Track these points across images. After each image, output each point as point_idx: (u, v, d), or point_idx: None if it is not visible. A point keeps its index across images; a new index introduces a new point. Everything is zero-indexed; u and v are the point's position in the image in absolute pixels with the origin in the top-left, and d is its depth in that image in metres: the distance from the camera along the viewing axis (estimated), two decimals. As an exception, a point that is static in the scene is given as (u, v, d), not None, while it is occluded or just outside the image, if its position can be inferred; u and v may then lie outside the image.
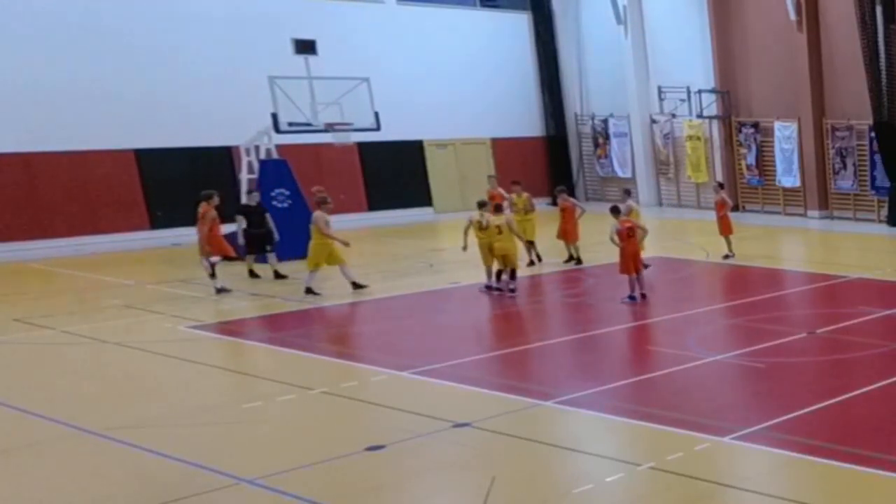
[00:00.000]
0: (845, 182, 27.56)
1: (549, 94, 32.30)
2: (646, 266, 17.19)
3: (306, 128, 20.69)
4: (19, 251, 21.58)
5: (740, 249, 20.87)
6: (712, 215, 21.91)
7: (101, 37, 23.28)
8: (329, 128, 20.80)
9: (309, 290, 16.41)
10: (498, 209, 17.09)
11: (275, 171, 20.54)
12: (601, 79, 32.17)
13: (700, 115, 29.27)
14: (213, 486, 8.13)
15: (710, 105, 29.29)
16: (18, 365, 12.47)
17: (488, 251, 16.78)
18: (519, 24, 31.98)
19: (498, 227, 16.55)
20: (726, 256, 20.48)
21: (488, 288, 16.95)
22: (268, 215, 18.35)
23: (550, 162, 32.64)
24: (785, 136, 28.22)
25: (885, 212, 26.62)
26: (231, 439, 9.48)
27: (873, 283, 18.28)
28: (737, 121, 29.37)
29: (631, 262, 15.97)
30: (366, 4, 28.00)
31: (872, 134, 26.26)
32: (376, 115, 21.48)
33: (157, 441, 9.20)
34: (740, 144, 29.40)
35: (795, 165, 28.13)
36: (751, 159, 29.24)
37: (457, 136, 30.17)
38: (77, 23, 23.00)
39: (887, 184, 26.25)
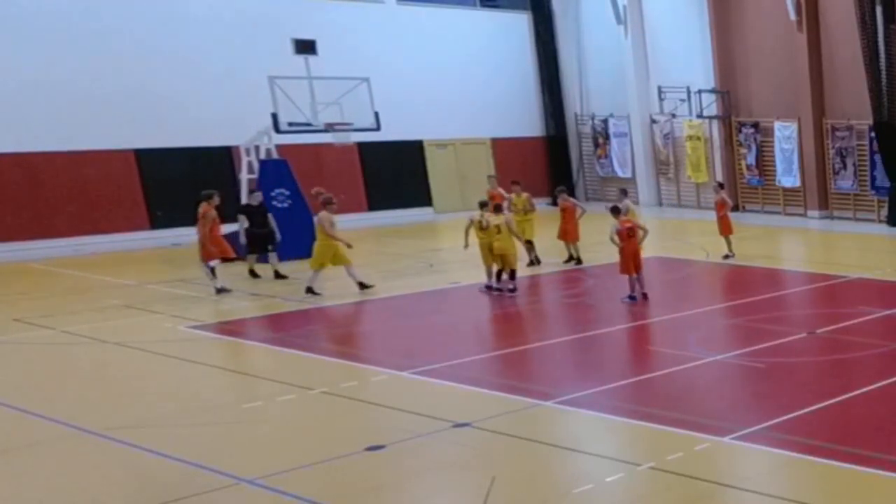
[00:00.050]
0: (845, 182, 27.56)
1: (549, 94, 32.30)
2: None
3: (306, 128, 20.69)
4: (19, 251, 21.58)
5: (740, 249, 20.87)
6: (712, 215, 21.91)
7: (101, 37, 23.28)
8: (329, 128, 20.80)
9: (309, 290, 16.41)
10: (497, 209, 17.09)
11: (275, 171, 20.54)
12: (601, 79, 32.17)
13: (700, 115, 29.27)
14: (213, 486, 8.13)
15: (710, 105, 29.30)
16: (18, 365, 12.47)
17: (488, 251, 16.79)
18: (519, 24, 31.98)
19: (497, 226, 16.56)
20: (726, 256, 20.49)
21: (488, 288, 16.95)
22: (270, 215, 18.36)
23: (550, 162, 32.65)
24: (785, 136, 28.22)
25: (885, 212, 26.62)
26: (231, 439, 9.48)
27: (873, 283, 18.28)
28: (737, 121, 29.38)
29: (631, 261, 15.97)
30: (366, 4, 28.00)
31: (872, 134, 26.26)
32: (376, 115, 21.48)
33: (157, 441, 9.20)
34: (740, 144, 29.40)
35: (795, 165, 28.13)
36: (751, 159, 29.25)
37: (457, 136, 30.17)
38: (77, 23, 23.00)
39: (887, 184, 26.26)
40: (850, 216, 27.54)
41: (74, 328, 14.10)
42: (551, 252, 20.17)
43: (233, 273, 17.78)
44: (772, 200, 29.21)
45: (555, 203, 23.53)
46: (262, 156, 21.02)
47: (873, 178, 26.82)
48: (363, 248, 20.46)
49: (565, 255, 19.92)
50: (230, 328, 14.45)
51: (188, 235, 20.51)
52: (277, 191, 20.13)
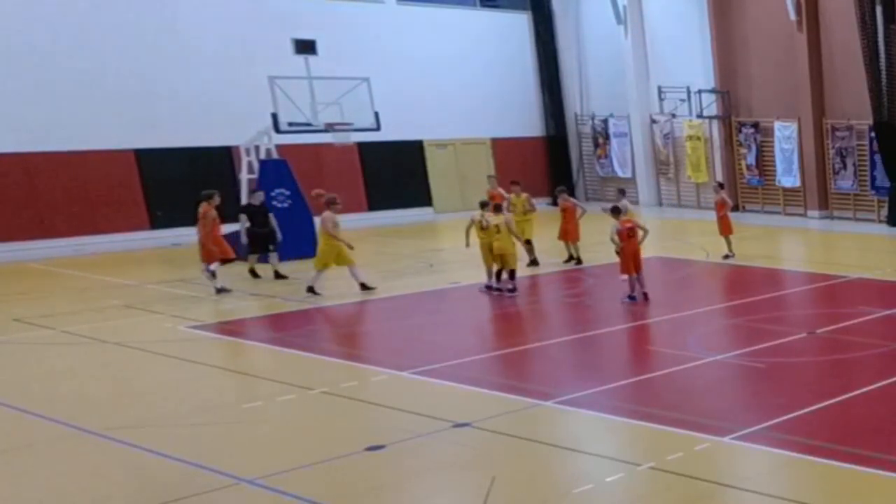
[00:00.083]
0: (845, 182, 27.56)
1: (549, 94, 32.30)
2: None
3: (306, 128, 20.69)
4: (19, 251, 21.58)
5: (740, 249, 20.87)
6: (712, 215, 21.91)
7: (101, 37, 23.29)
8: (329, 128, 20.80)
9: (310, 289, 16.41)
10: (497, 209, 17.10)
11: (275, 171, 20.54)
12: (601, 79, 32.18)
13: (700, 115, 29.27)
14: (213, 486, 8.13)
15: (710, 105, 29.30)
16: (18, 365, 12.47)
17: (489, 251, 16.80)
18: (519, 24, 31.98)
19: (496, 226, 16.57)
20: (726, 256, 20.49)
21: (488, 288, 16.95)
22: (271, 215, 18.35)
23: (550, 162, 32.65)
24: (785, 136, 28.22)
25: (885, 212, 26.62)
26: (231, 439, 9.48)
27: (873, 283, 18.28)
28: (737, 121, 29.38)
29: (631, 262, 15.97)
30: (366, 4, 28.00)
31: (872, 134, 26.26)
32: (376, 115, 21.48)
33: (157, 441, 9.20)
34: (740, 144, 29.40)
35: (795, 165, 28.13)
36: (751, 159, 29.25)
37: (457, 136, 30.17)
38: (77, 23, 23.00)
39: (887, 184, 26.26)
40: (850, 216, 27.54)
41: (74, 328, 14.10)
42: (551, 252, 20.17)
43: (233, 273, 17.78)
44: (772, 200, 29.21)
45: (555, 203, 23.53)
46: (262, 156, 21.01)
47: (873, 178, 26.82)
48: (363, 248, 20.45)
49: (565, 255, 19.92)
50: (230, 328, 14.45)
51: (188, 235, 20.51)
52: (277, 191, 20.13)
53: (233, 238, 18.07)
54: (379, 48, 27.39)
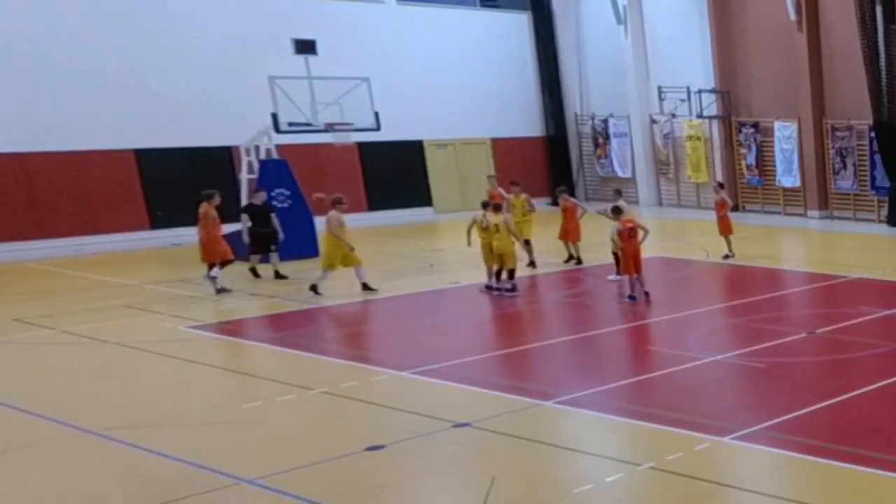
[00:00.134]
0: (845, 182, 27.56)
1: (549, 94, 32.30)
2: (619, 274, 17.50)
3: (306, 128, 20.69)
4: (19, 251, 21.58)
5: (740, 249, 20.87)
6: (712, 215, 21.91)
7: (101, 36, 23.29)
8: (329, 128, 20.80)
9: (314, 288, 16.38)
10: (497, 208, 17.10)
11: (275, 171, 20.54)
12: (601, 79, 32.18)
13: (700, 115, 29.27)
14: (213, 486, 8.13)
15: (710, 105, 29.30)
16: (18, 365, 12.47)
17: (490, 251, 16.80)
18: (519, 24, 31.98)
19: (496, 225, 16.58)
20: (726, 256, 20.49)
21: (488, 288, 16.95)
22: (273, 215, 18.35)
23: (550, 162, 32.65)
24: (785, 136, 28.22)
25: (885, 212, 26.62)
26: (231, 439, 9.48)
27: (873, 283, 18.27)
28: (737, 121, 29.38)
29: (632, 262, 15.97)
30: (366, 4, 28.00)
31: (872, 134, 26.26)
32: (376, 115, 21.48)
33: (157, 441, 9.20)
34: (740, 144, 29.40)
35: (795, 165, 28.13)
36: (751, 159, 29.25)
37: (457, 136, 30.17)
38: (77, 23, 23.00)
39: (887, 184, 26.26)
40: (850, 216, 27.54)
41: (74, 328, 14.10)
42: (551, 252, 20.17)
43: (233, 273, 17.77)
44: (772, 200, 29.21)
45: (555, 203, 23.52)
46: (262, 156, 21.01)
47: (873, 178, 26.82)
48: (363, 249, 20.36)
49: (565, 255, 19.92)
50: (230, 328, 14.45)
51: (188, 235, 20.52)
52: (277, 191, 20.12)
53: (234, 238, 18.08)
54: (379, 48, 27.39)
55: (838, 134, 27.30)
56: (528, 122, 32.21)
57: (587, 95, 32.65)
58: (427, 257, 21.08)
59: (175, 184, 23.95)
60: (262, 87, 20.64)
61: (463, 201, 28.64)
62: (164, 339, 13.42)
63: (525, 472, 8.57)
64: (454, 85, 29.43)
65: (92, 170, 23.43)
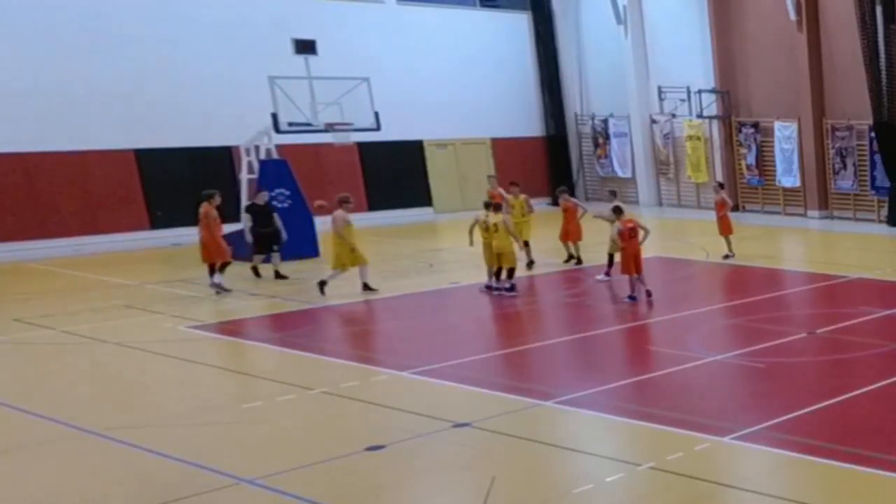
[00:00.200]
0: (845, 182, 27.56)
1: (549, 94, 32.30)
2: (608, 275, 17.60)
3: (306, 128, 20.69)
4: (19, 251, 21.58)
5: (740, 249, 20.87)
6: (712, 215, 21.91)
7: (101, 37, 23.28)
8: (329, 128, 20.80)
9: (322, 284, 16.36)
10: (497, 208, 17.11)
11: (275, 171, 20.53)
12: (601, 79, 32.17)
13: (700, 115, 29.27)
14: (213, 486, 8.13)
15: (710, 105, 29.30)
16: (18, 365, 12.47)
17: (491, 251, 16.80)
18: (519, 24, 31.98)
19: (495, 225, 16.58)
20: (726, 256, 20.49)
21: (488, 288, 16.95)
22: (275, 215, 18.35)
23: (550, 162, 32.65)
24: (785, 136, 28.22)
25: (885, 212, 26.62)
26: (231, 439, 9.48)
27: (873, 283, 18.27)
28: (737, 121, 29.38)
29: (632, 262, 15.96)
30: (366, 4, 28.00)
31: (872, 134, 26.26)
32: (376, 115, 21.49)
33: (157, 441, 9.20)
34: (740, 144, 29.40)
35: (795, 165, 28.13)
36: (751, 159, 29.25)
37: (457, 136, 30.17)
38: (77, 23, 23.00)
39: (887, 184, 26.26)
40: (850, 216, 27.54)
41: (74, 328, 14.10)
42: (551, 252, 20.16)
43: (233, 273, 17.76)
44: (772, 200, 29.21)
45: (556, 203, 23.50)
46: (262, 156, 21.01)
47: (873, 178, 26.82)
48: (363, 248, 20.43)
49: (564, 255, 19.91)
50: (230, 328, 14.45)
51: (188, 235, 20.52)
52: (277, 191, 20.11)
53: (235, 238, 18.07)
54: (379, 48, 27.39)
55: (838, 134, 27.30)
56: (528, 122, 32.21)
57: (587, 95, 32.65)
58: (427, 257, 21.08)
59: (175, 184, 23.95)
60: (262, 87, 20.64)
61: (463, 201, 28.64)
62: (164, 339, 13.42)
63: (525, 472, 8.57)
64: (454, 85, 29.43)
65: (92, 170, 23.43)
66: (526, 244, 19.02)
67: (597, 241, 19.76)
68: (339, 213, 16.41)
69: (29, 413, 10.17)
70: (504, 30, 31.61)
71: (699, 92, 28.98)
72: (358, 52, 26.21)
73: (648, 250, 18.00)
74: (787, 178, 28.44)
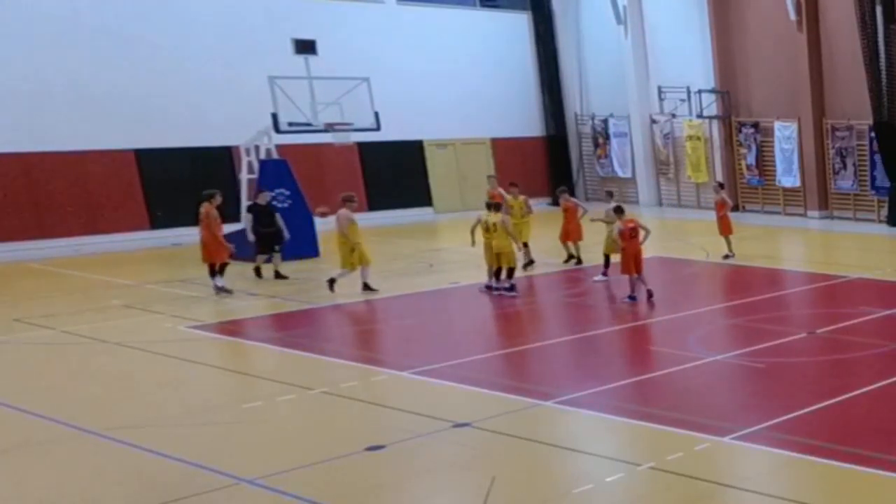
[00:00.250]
0: (845, 182, 27.56)
1: (549, 94, 32.29)
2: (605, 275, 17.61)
3: (306, 128, 20.70)
4: (19, 251, 21.58)
5: (740, 249, 20.87)
6: (712, 215, 21.90)
7: (101, 37, 23.28)
8: (329, 128, 20.81)
9: (331, 282, 16.37)
10: (497, 208, 17.11)
11: (275, 171, 20.53)
12: (601, 79, 32.17)
13: (700, 115, 29.27)
14: (213, 486, 8.13)
15: (710, 105, 29.30)
16: (18, 365, 12.47)
17: (492, 251, 16.81)
18: (519, 24, 31.98)
19: (494, 224, 16.59)
20: (726, 256, 20.49)
21: (488, 288, 16.95)
22: (277, 214, 18.34)
23: (550, 162, 32.64)
24: (785, 136, 28.22)
25: (885, 212, 26.62)
26: (231, 439, 9.48)
27: (873, 283, 18.28)
28: (737, 121, 29.37)
29: (632, 262, 15.96)
30: (366, 4, 28.00)
31: (872, 134, 26.26)
32: (376, 115, 21.49)
33: (157, 441, 9.20)
34: (740, 144, 29.40)
35: (795, 165, 28.13)
36: (751, 159, 29.25)
37: (457, 136, 30.17)
38: (77, 23, 22.99)
39: (887, 184, 26.25)
40: (850, 216, 27.54)
41: (74, 328, 14.10)
42: (551, 252, 20.16)
43: (233, 273, 17.76)
44: (772, 200, 29.21)
45: (556, 203, 23.50)
46: (262, 156, 21.01)
47: (873, 178, 26.82)
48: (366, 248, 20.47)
49: (564, 256, 19.91)
50: (230, 328, 14.46)
51: (188, 235, 20.52)
52: (277, 191, 20.09)
53: (236, 238, 18.07)
54: (379, 48, 27.38)
55: (838, 134, 27.30)
56: (528, 122, 32.21)
57: (587, 95, 32.64)
58: (427, 257, 21.08)
59: (175, 184, 23.95)
60: (262, 87, 20.64)
61: (463, 201, 28.64)
62: (165, 339, 13.42)
63: (525, 472, 8.58)
64: (454, 85, 29.42)
65: (92, 170, 23.43)
66: (525, 245, 19.03)
67: (597, 241, 19.70)
68: (343, 211, 16.40)
69: (29, 413, 10.17)
70: (504, 30, 31.60)
71: (699, 92, 28.98)
72: (358, 52, 26.20)
73: (648, 250, 17.99)
74: (787, 178, 28.44)
